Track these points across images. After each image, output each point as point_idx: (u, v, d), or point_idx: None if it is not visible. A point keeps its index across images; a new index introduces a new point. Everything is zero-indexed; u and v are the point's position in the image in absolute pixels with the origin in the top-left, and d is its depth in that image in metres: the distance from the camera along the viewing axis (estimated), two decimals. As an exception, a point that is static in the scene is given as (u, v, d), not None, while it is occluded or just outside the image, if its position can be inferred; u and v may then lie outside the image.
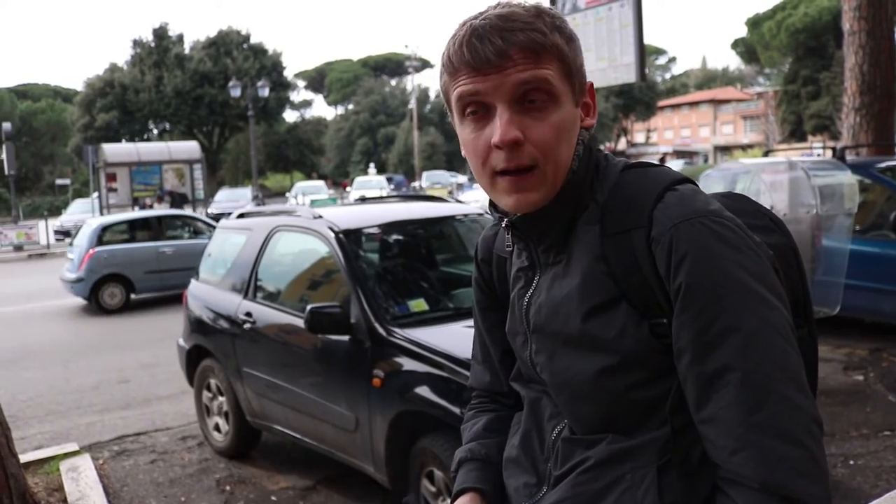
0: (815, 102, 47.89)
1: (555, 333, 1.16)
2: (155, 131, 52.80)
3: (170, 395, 7.04)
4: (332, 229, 4.44)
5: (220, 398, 5.29)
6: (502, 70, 1.07)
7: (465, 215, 5.42)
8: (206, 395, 5.47)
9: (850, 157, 7.88)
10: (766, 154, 10.74)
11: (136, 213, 15.42)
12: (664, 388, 1.07)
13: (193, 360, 5.58)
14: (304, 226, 4.72)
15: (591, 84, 1.19)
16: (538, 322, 1.19)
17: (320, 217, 4.62)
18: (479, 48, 1.07)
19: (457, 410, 3.46)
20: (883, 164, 7.62)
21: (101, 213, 24.38)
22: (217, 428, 5.39)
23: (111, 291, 12.26)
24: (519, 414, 1.35)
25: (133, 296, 12.54)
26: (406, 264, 4.89)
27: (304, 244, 4.89)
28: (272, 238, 4.98)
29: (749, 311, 1.00)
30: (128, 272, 12.31)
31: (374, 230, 4.91)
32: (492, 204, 1.24)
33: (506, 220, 1.20)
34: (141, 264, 12.36)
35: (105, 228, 12.74)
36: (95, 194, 26.89)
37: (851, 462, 4.48)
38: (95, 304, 12.15)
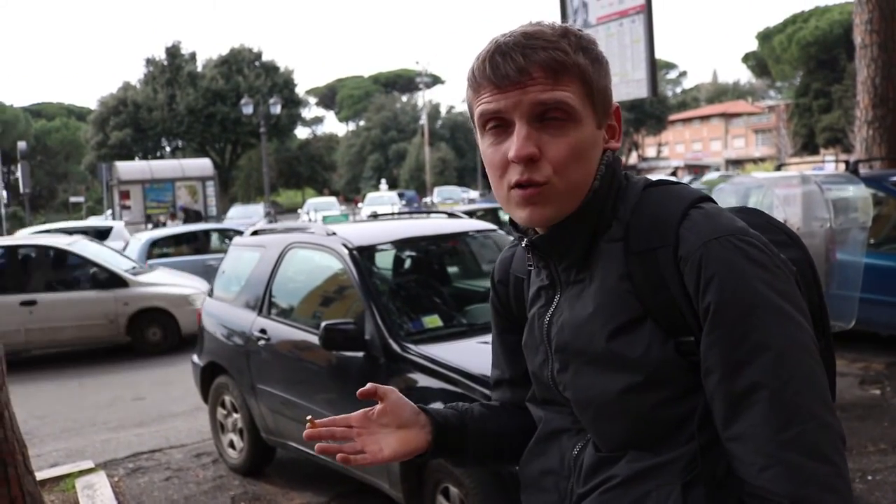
0: (827, 115, 47.77)
1: (579, 352, 1.16)
2: (168, 149, 53.21)
3: (184, 411, 7.06)
4: (346, 246, 4.47)
5: (235, 415, 5.30)
6: (522, 87, 1.09)
7: (478, 231, 5.44)
8: (220, 411, 5.48)
9: (863, 170, 7.85)
10: (778, 168, 10.72)
11: (183, 228, 15.48)
12: (690, 405, 1.08)
13: (208, 376, 5.60)
14: (317, 242, 4.75)
15: (618, 107, 1.20)
16: (561, 341, 1.20)
17: (334, 234, 4.64)
18: (501, 65, 1.10)
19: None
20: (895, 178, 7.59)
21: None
22: (232, 445, 5.40)
23: None
24: (524, 432, 1.36)
25: None
26: (419, 280, 4.90)
27: (318, 261, 4.91)
28: (286, 255, 5.01)
29: (778, 329, 1.01)
30: None
31: (388, 247, 4.93)
32: (512, 223, 1.25)
33: (526, 239, 1.21)
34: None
35: (154, 243, 12.98)
36: (109, 212, 27.17)
37: (869, 477, 4.45)
38: None
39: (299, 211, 38.81)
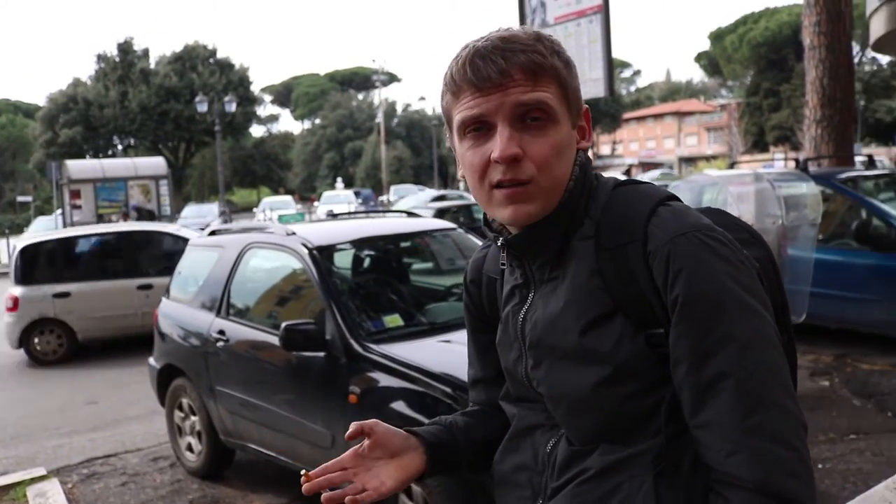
0: (777, 114, 48.81)
1: (552, 347, 1.19)
2: (120, 147, 52.18)
3: (139, 415, 6.95)
4: (305, 246, 4.44)
5: (193, 417, 5.23)
6: (504, 89, 1.12)
7: (437, 230, 5.45)
8: (178, 414, 5.41)
9: (812, 168, 8.05)
10: (731, 166, 10.93)
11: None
12: (659, 397, 1.11)
13: (165, 379, 5.51)
14: (277, 242, 4.71)
15: (587, 108, 1.24)
16: (535, 337, 1.22)
17: (293, 234, 4.61)
18: (482, 67, 1.12)
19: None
20: (844, 175, 7.80)
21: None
22: (190, 448, 5.33)
23: None
24: (505, 433, 1.37)
25: None
26: (380, 280, 4.90)
27: (277, 261, 4.88)
28: (245, 255, 4.96)
29: (742, 321, 1.05)
30: None
31: (347, 246, 4.91)
32: (486, 224, 1.27)
33: (501, 239, 1.23)
34: None
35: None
36: (59, 211, 26.47)
37: (820, 466, 4.57)
38: None
39: (255, 210, 38.41)
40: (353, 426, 1.24)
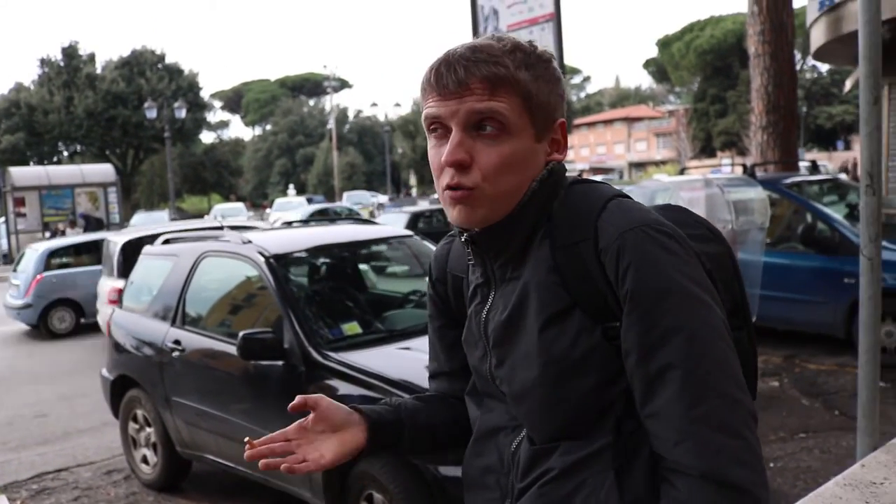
0: (723, 120, 49.90)
1: (513, 346, 1.22)
2: (65, 153, 50.99)
3: (91, 427, 6.80)
4: (262, 254, 4.41)
5: (148, 429, 5.15)
6: (460, 97, 1.15)
7: (393, 237, 5.47)
8: (132, 426, 5.31)
9: (759, 173, 8.27)
10: (681, 172, 11.15)
11: (84, 237, 14.93)
12: (618, 390, 1.15)
13: (118, 390, 5.42)
14: (233, 251, 4.67)
15: (563, 121, 1.25)
16: (498, 336, 1.25)
17: (250, 242, 4.58)
18: (444, 75, 1.16)
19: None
20: (789, 180, 8.03)
21: (9, 240, 23.44)
22: (145, 460, 5.24)
23: (60, 316, 12.04)
24: (454, 422, 1.42)
25: (83, 320, 12.11)
26: (337, 287, 4.89)
27: (233, 269, 4.83)
28: (200, 264, 4.90)
29: (689, 312, 1.08)
30: (77, 296, 12.02)
31: (304, 254, 4.90)
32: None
33: (466, 234, 1.25)
34: (90, 287, 11.73)
35: (52, 253, 12.55)
36: (2, 219, 25.77)
37: (771, 464, 4.69)
38: (45, 330, 12.00)
39: (206, 217, 37.87)
40: (297, 398, 1.26)
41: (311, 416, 1.28)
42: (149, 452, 5.20)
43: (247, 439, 1.27)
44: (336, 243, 5.18)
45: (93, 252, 12.71)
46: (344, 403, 1.33)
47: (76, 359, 9.79)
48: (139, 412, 5.22)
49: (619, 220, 1.14)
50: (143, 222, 29.72)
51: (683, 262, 1.11)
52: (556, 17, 7.34)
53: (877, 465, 2.74)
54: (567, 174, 1.29)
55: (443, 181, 1.19)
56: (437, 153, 1.20)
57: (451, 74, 1.15)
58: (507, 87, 1.15)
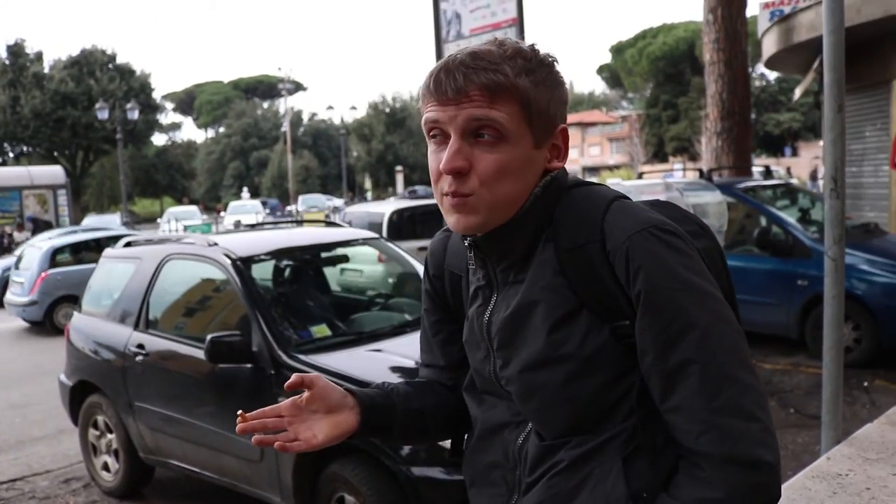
0: (675, 126, 50.75)
1: (520, 348, 1.23)
2: (11, 155, 49.68)
3: (45, 435, 6.64)
4: (228, 257, 4.37)
5: (109, 435, 5.06)
6: (458, 104, 1.16)
7: (359, 239, 5.45)
8: (92, 433, 5.21)
9: (714, 177, 8.45)
10: (639, 176, 11.33)
11: (87, 235, 14.78)
12: (626, 385, 1.18)
13: (78, 396, 5.31)
14: (198, 253, 4.62)
15: (564, 128, 1.26)
16: (503, 338, 1.26)
17: (216, 244, 4.54)
18: (443, 82, 1.17)
19: (364, 434, 3.49)
20: (744, 184, 8.22)
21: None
22: (106, 467, 5.14)
23: (66, 312, 11.89)
24: (455, 414, 1.44)
25: None
26: (304, 290, 4.87)
27: (198, 272, 4.78)
28: (164, 267, 4.83)
29: (701, 307, 1.12)
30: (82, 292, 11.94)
31: (271, 257, 4.86)
32: None
33: (469, 239, 1.27)
34: None
35: (57, 251, 12.67)
36: (-54, 223, 25.00)
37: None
38: (50, 326, 12.07)
39: (159, 220, 37.25)
40: (294, 376, 1.27)
41: (305, 394, 1.28)
42: (110, 459, 5.11)
43: (239, 412, 1.26)
44: (302, 246, 5.15)
45: (97, 250, 12.65)
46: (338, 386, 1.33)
47: (25, 366, 9.54)
48: (100, 418, 5.12)
49: (625, 222, 1.17)
50: (94, 225, 29.13)
51: (690, 260, 1.15)
52: (519, 23, 7.41)
53: (841, 458, 2.84)
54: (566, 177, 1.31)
55: (441, 187, 1.20)
56: (436, 159, 1.21)
57: (450, 81, 1.16)
58: (505, 94, 1.16)
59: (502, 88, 1.16)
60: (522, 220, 1.22)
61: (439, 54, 7.92)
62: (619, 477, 1.16)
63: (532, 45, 1.22)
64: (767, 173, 9.38)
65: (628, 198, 1.25)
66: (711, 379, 1.10)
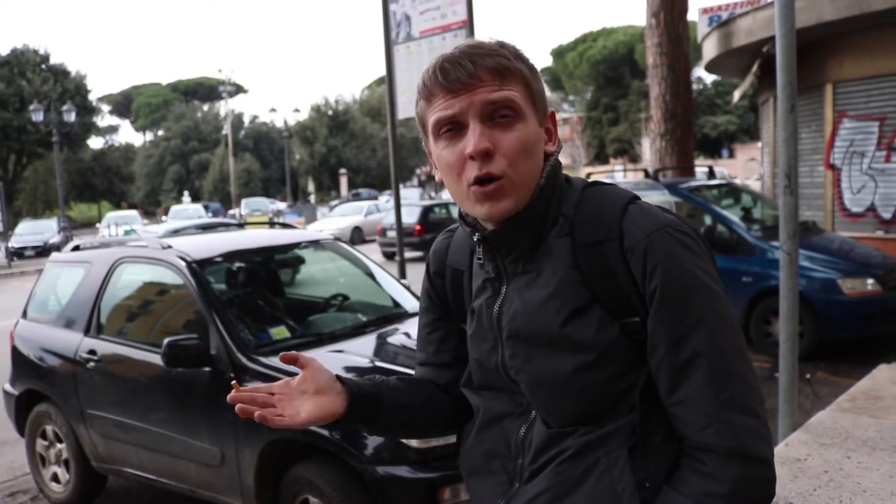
0: (616, 128, 51.66)
1: (532, 338, 1.26)
2: (-62, 159, 47.87)
3: (-13, 447, 6.41)
4: (183, 259, 4.30)
5: (59, 445, 4.92)
6: (473, 89, 1.20)
7: (314, 241, 5.42)
8: (40, 443, 5.06)
9: (659, 178, 8.63)
10: (587, 177, 11.48)
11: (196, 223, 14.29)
12: (632, 379, 1.22)
13: (24, 406, 5.14)
14: (152, 256, 4.53)
15: (553, 112, 1.32)
16: (513, 328, 1.29)
17: (170, 247, 4.46)
18: (451, 71, 1.20)
19: (326, 433, 3.48)
20: (688, 184, 8.42)
21: None
22: (55, 478, 4.99)
23: None
24: (429, 406, 1.46)
25: None
26: (262, 292, 4.81)
27: (152, 275, 4.69)
28: (115, 270, 4.73)
29: (710, 305, 1.18)
30: None
31: (226, 259, 4.79)
32: (461, 218, 1.34)
33: (478, 234, 1.29)
34: None
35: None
36: None
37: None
38: None
39: (98, 226, 36.31)
40: (290, 353, 1.31)
41: (300, 375, 1.31)
42: (60, 470, 4.97)
43: (233, 382, 1.30)
44: (257, 248, 5.09)
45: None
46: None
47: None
48: (49, 428, 4.97)
49: (644, 221, 1.21)
50: (30, 231, 28.27)
51: (702, 260, 1.21)
52: (469, 24, 7.44)
53: (799, 444, 2.95)
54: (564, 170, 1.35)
55: (468, 175, 1.21)
56: (453, 151, 1.23)
57: (458, 69, 1.20)
58: (512, 75, 1.22)
59: (509, 70, 1.21)
60: (530, 211, 1.25)
61: (389, 56, 7.91)
62: (626, 466, 1.20)
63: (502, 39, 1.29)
64: (711, 174, 9.63)
65: (641, 199, 1.31)
66: (719, 374, 1.15)
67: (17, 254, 26.08)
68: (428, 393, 1.48)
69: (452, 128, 1.23)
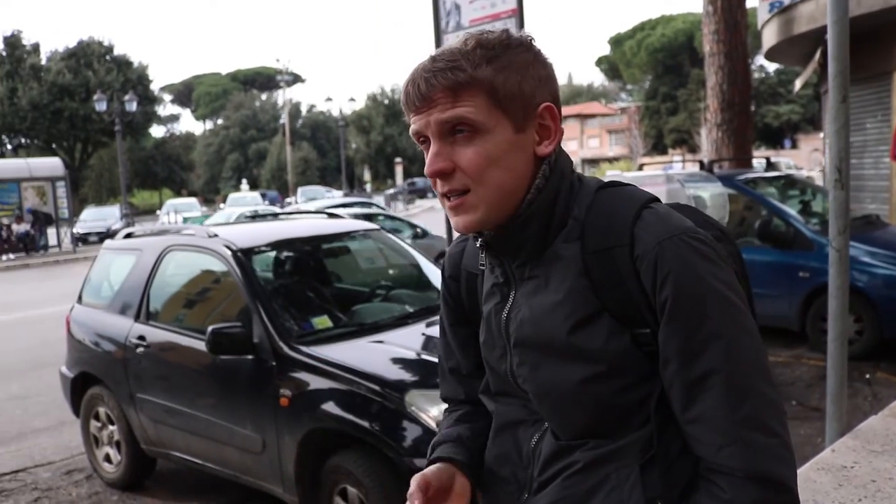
0: (674, 117, 50.70)
1: (539, 346, 1.21)
2: (9, 146, 49.61)
3: (47, 427, 6.63)
4: (229, 248, 4.36)
5: (111, 427, 5.05)
6: (427, 111, 1.18)
7: (360, 231, 5.44)
8: (94, 424, 5.21)
9: (715, 169, 8.43)
10: (640, 168, 11.30)
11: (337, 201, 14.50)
12: (644, 392, 1.16)
13: (79, 388, 5.30)
14: (199, 245, 4.61)
15: (549, 105, 1.21)
16: (521, 335, 1.24)
17: (216, 235, 4.52)
18: (411, 93, 1.18)
19: (366, 424, 3.49)
20: (744, 176, 8.20)
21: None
22: (108, 458, 5.14)
23: None
24: (489, 427, 1.40)
25: None
26: (306, 281, 4.85)
27: (199, 264, 4.77)
28: (164, 258, 4.82)
29: (727, 318, 1.10)
30: None
31: (271, 248, 4.85)
32: None
33: (480, 239, 1.25)
34: None
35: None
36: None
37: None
38: None
39: (158, 213, 37.21)
40: (414, 488, 1.26)
41: (429, 493, 1.28)
42: (112, 451, 5.11)
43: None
44: (303, 237, 5.13)
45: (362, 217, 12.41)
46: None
47: (25, 358, 9.52)
48: (102, 410, 5.12)
49: (656, 227, 1.14)
50: (94, 218, 29.12)
51: (718, 268, 1.13)
52: (519, 13, 7.36)
53: (846, 450, 2.84)
54: (576, 169, 1.29)
55: (439, 189, 1.21)
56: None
57: (415, 91, 1.17)
58: (467, 89, 1.15)
59: (463, 85, 1.15)
60: (528, 213, 1.20)
61: (438, 45, 7.87)
62: (637, 483, 1.14)
63: (503, 31, 1.21)
64: (769, 165, 9.37)
65: (659, 200, 1.23)
66: (735, 391, 1.08)
67: (82, 239, 26.92)
68: (486, 419, 1.43)
69: (425, 140, 1.21)
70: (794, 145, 50.84)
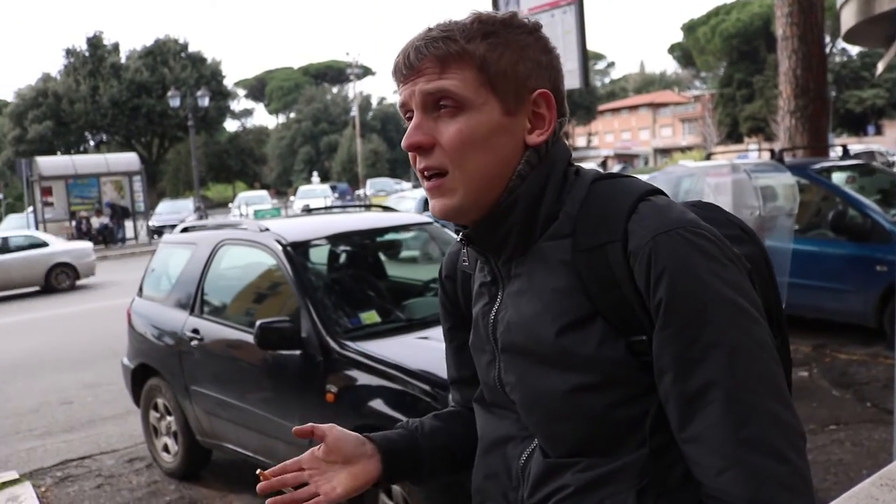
0: (750, 105, 49.20)
1: (526, 351, 1.11)
2: (91, 143, 51.55)
3: (115, 415, 6.83)
4: (279, 242, 4.36)
5: (169, 418, 5.15)
6: (414, 79, 1.11)
7: (413, 224, 5.39)
8: (153, 414, 5.32)
9: (787, 158, 8.08)
10: (707, 157, 10.96)
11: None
12: (643, 407, 1.04)
13: (139, 379, 5.42)
14: (250, 239, 4.63)
15: (544, 92, 1.12)
16: (507, 340, 1.14)
17: (267, 230, 4.53)
18: (400, 62, 1.12)
19: (405, 420, 3.44)
20: (819, 165, 7.84)
21: (38, 228, 23.69)
22: (166, 448, 5.24)
23: None
24: (465, 433, 1.33)
25: None
26: (356, 276, 4.83)
27: (251, 258, 4.80)
28: (218, 252, 4.87)
29: (731, 324, 0.97)
30: None
31: (322, 242, 4.84)
32: None
33: (461, 233, 1.17)
34: None
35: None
36: (30, 209, 26.08)
37: (800, 458, 4.56)
38: None
39: (230, 205, 38.13)
40: (307, 425, 1.22)
41: (321, 446, 1.23)
42: (170, 441, 5.20)
43: (258, 471, 1.22)
44: (354, 231, 5.11)
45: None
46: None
47: (99, 347, 9.84)
48: (160, 401, 5.22)
49: (652, 220, 1.02)
50: (168, 211, 29.99)
51: (722, 267, 1.00)
52: (579, 0, 7.19)
53: (914, 462, 2.63)
54: (573, 160, 1.18)
55: (417, 166, 1.14)
56: None
57: (405, 60, 1.11)
58: (457, 62, 1.08)
59: (452, 56, 1.08)
60: (510, 203, 1.10)
61: (498, 35, 7.78)
62: None
63: (508, 12, 1.13)
64: (845, 153, 8.95)
65: (664, 192, 1.11)
66: (738, 407, 0.95)
67: (157, 232, 27.78)
68: (466, 425, 1.34)
69: (410, 114, 1.14)
70: (879, 131, 48.71)
